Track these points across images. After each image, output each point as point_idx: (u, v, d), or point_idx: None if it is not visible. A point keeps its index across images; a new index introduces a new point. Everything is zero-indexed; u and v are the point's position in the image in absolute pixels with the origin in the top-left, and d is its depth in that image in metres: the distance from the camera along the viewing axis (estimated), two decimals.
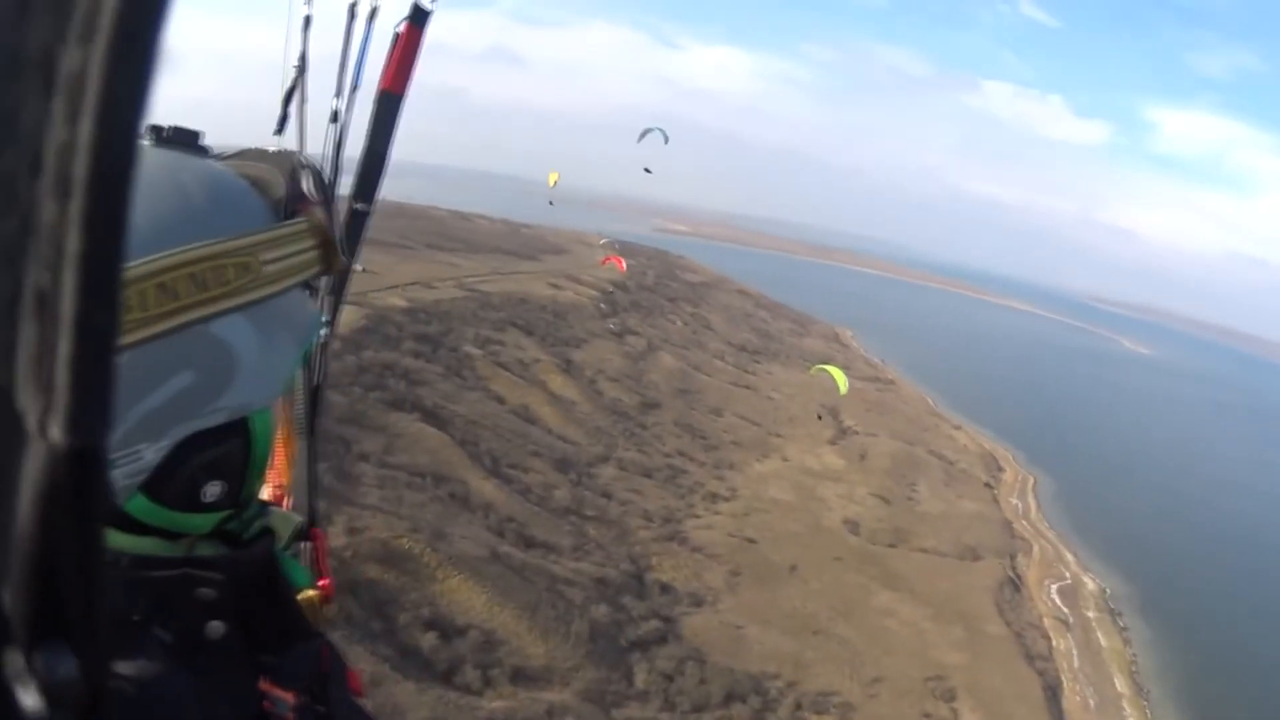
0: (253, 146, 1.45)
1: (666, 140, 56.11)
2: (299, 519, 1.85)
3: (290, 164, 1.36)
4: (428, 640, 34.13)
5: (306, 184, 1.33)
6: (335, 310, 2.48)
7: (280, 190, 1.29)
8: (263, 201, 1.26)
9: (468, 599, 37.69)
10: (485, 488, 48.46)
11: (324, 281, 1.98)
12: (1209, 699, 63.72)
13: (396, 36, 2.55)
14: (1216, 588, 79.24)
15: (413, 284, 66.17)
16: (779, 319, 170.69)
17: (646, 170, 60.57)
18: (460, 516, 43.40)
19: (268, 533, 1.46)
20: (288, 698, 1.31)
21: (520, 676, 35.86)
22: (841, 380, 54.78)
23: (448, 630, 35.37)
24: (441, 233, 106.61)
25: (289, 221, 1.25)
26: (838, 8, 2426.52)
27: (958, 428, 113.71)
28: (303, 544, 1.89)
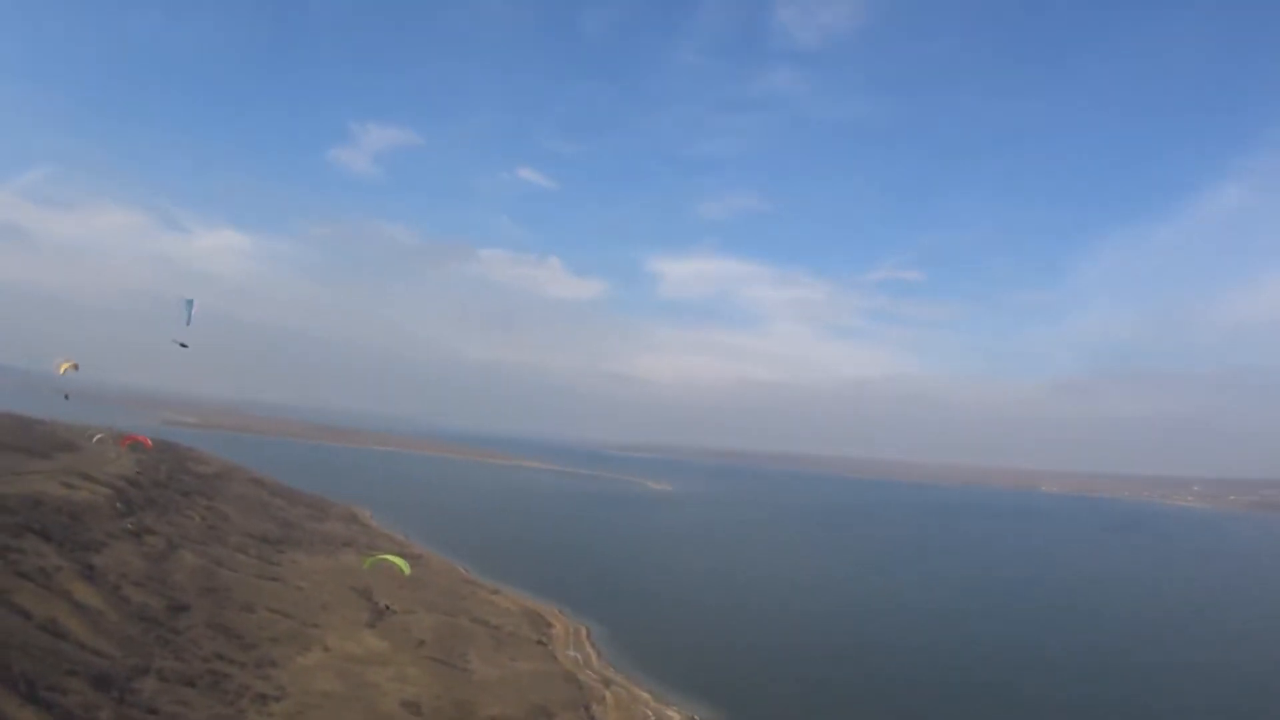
0: None
1: (188, 319, 58.03)
2: None
3: None
4: None
5: None
6: None
7: None
8: None
9: None
10: (23, 716, 46.76)
11: None
12: None
13: None
14: (802, 689, 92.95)
15: None
16: (296, 505, 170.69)
17: (182, 345, 61.48)
18: None
19: None
20: None
21: None
22: (402, 564, 61.82)
23: None
24: None
25: None
26: (333, 184, 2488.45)
27: (495, 592, 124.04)
28: None
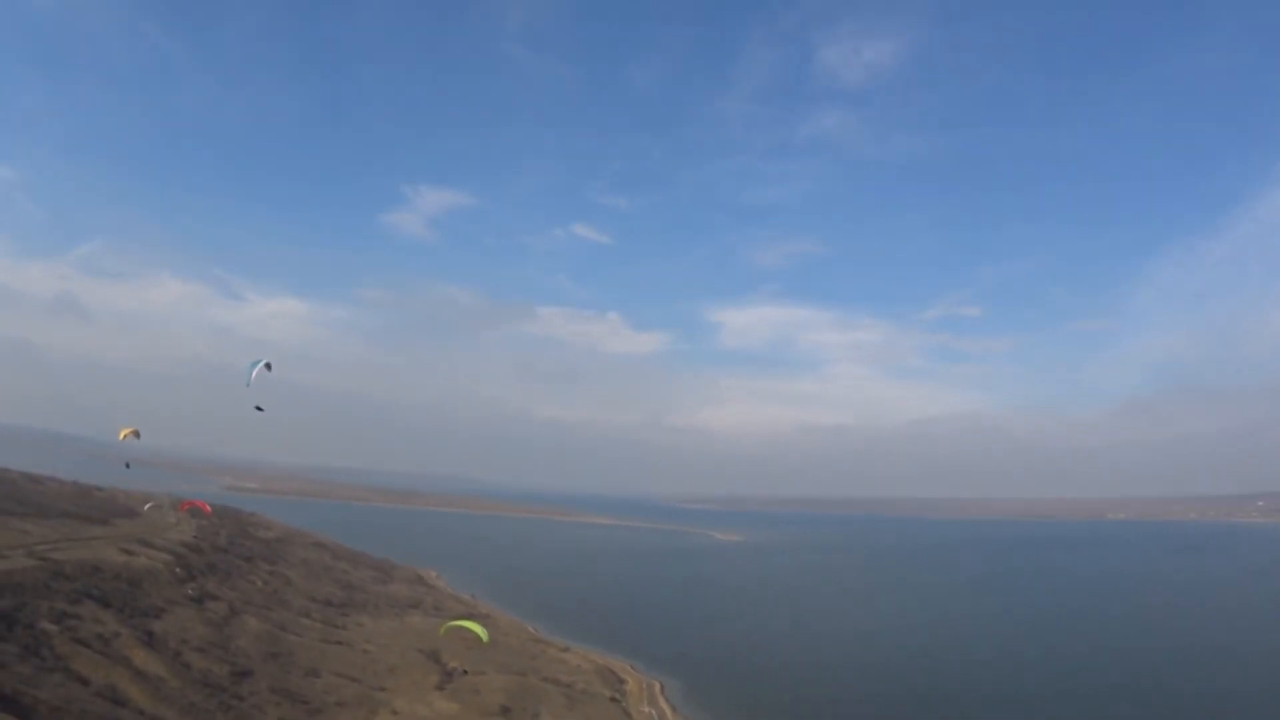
0: None
1: (248, 380, 56.86)
2: None
3: None
4: None
5: None
6: None
7: None
8: None
9: None
10: None
11: None
12: None
13: None
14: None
15: None
16: (360, 568, 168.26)
17: (259, 409, 60.21)
18: None
19: None
20: None
21: None
22: (479, 630, 57.62)
23: None
24: (13, 496, 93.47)
25: None
26: (389, 248, 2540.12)
27: (566, 650, 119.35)
28: None
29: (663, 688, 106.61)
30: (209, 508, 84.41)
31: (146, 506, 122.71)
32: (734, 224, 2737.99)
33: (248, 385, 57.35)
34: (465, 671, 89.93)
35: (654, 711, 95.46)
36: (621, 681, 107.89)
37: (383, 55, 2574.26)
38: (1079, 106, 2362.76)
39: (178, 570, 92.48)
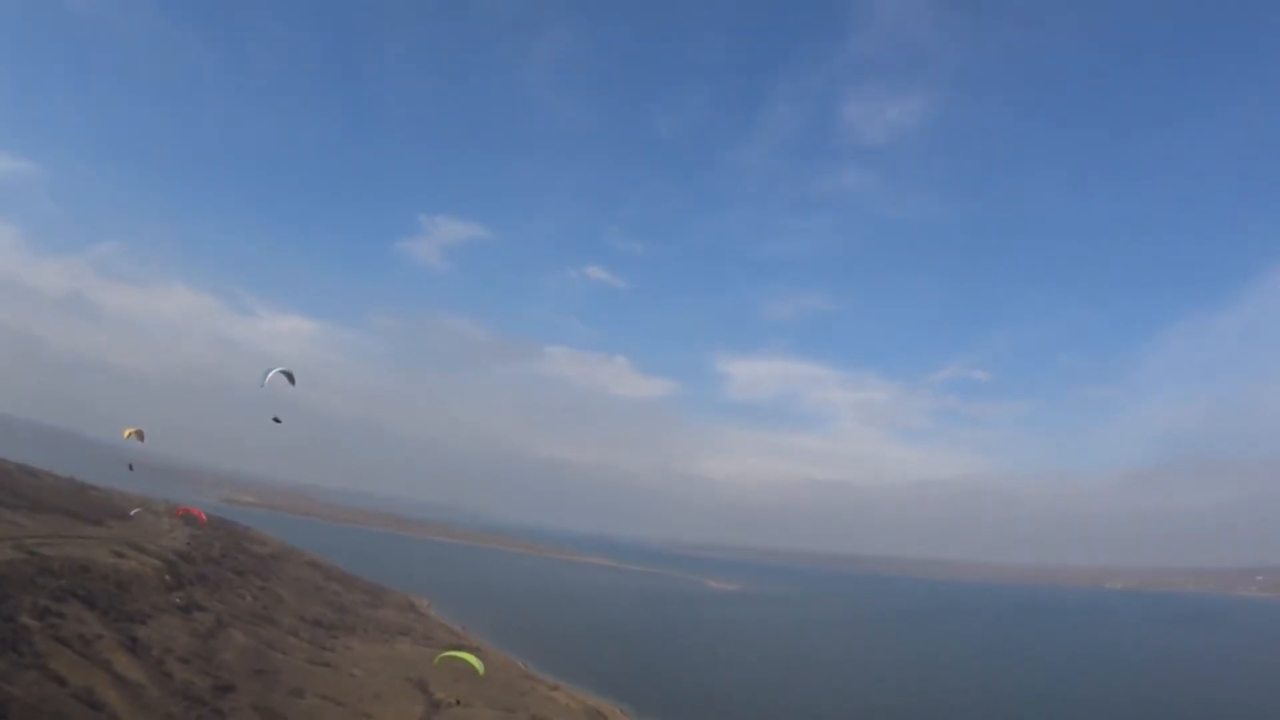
0: None
1: (292, 381, 56.40)
2: None
3: None
4: None
5: None
6: None
7: None
8: None
9: None
10: None
11: None
12: None
13: None
14: None
15: None
16: (352, 590, 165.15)
17: (276, 420, 59.55)
18: None
19: None
20: None
21: None
22: (475, 663, 55.18)
23: None
24: (7, 487, 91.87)
25: None
26: (402, 276, 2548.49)
27: (555, 688, 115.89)
28: None
29: None
30: (205, 516, 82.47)
31: (133, 512, 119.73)
32: (748, 275, 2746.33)
33: (261, 386, 56.32)
34: (458, 701, 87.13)
35: None
36: None
37: (408, 85, 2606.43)
38: (1095, 173, 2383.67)
39: (167, 577, 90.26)
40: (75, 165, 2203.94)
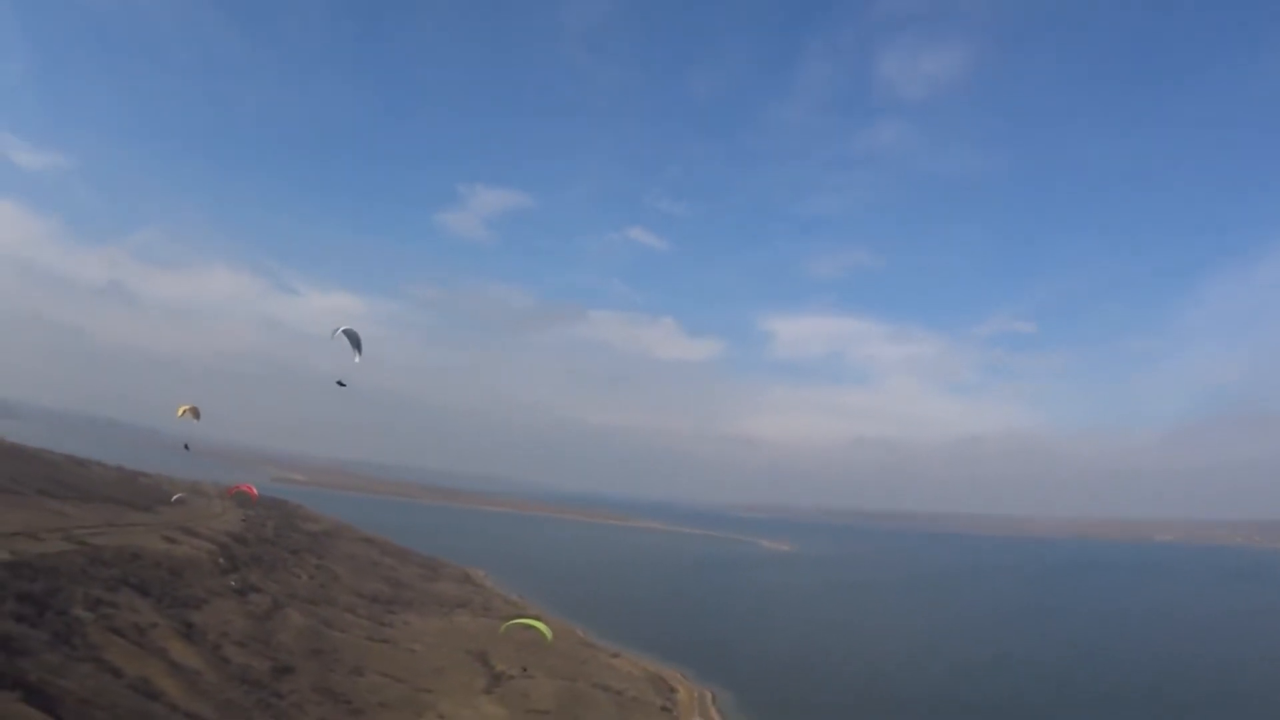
0: None
1: (358, 348, 54.41)
2: None
3: None
4: None
5: None
6: None
7: None
8: None
9: None
10: None
11: None
12: None
13: None
14: None
15: (17, 534, 55.37)
16: (407, 565, 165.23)
17: (340, 384, 57.43)
18: None
19: None
20: None
21: None
22: (543, 629, 53.76)
23: None
24: (55, 478, 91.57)
25: None
26: (443, 247, 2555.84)
27: (616, 655, 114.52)
28: None
29: (714, 697, 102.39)
30: (256, 492, 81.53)
31: (175, 498, 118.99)
32: (790, 233, 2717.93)
33: (331, 338, 54.59)
34: (525, 669, 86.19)
35: None
36: (672, 690, 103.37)
37: (444, 54, 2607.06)
38: (1135, 120, 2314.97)
39: (221, 560, 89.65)
40: (111, 152, 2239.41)
